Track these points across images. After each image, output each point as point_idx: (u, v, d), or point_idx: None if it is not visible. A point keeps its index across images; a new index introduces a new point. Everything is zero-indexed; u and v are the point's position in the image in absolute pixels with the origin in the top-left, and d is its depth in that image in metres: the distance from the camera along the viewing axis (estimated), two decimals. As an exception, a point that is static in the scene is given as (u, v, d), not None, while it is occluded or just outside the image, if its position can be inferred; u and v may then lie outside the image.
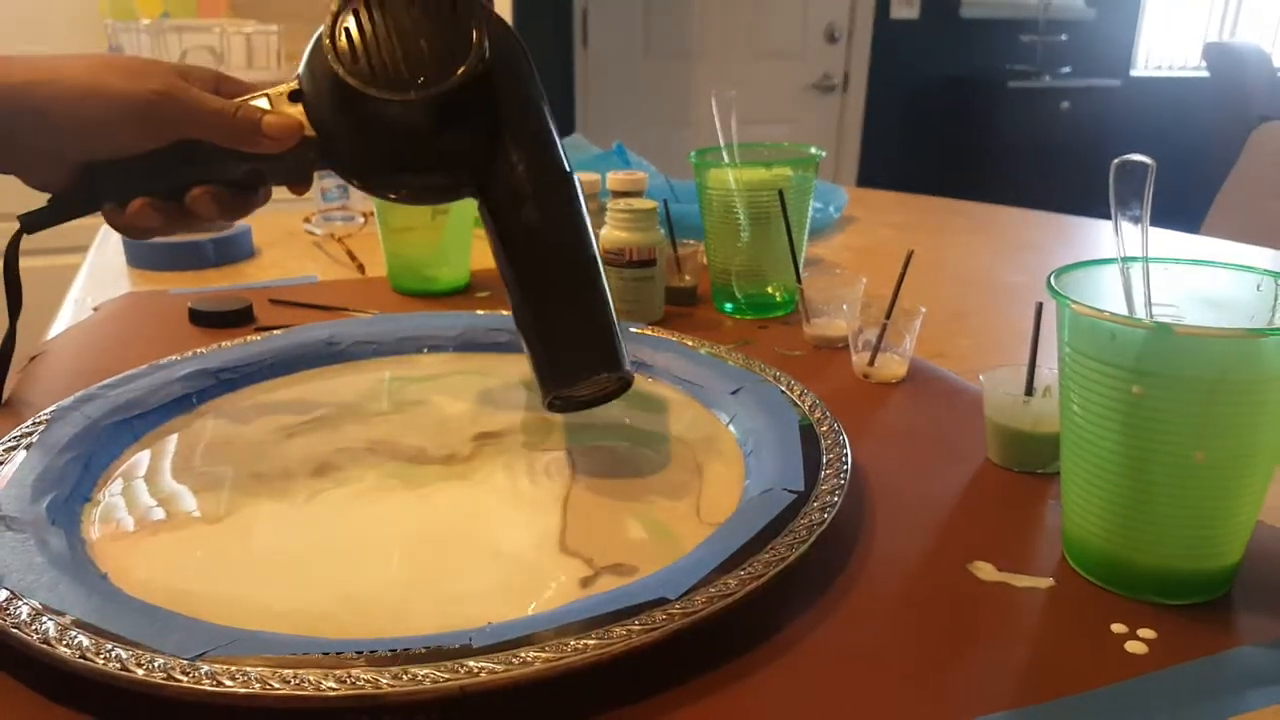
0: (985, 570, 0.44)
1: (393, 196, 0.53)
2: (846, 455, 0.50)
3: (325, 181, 1.17)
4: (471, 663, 0.33)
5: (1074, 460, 0.42)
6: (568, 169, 0.51)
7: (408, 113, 0.47)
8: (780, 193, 0.76)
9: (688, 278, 0.84)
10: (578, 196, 0.51)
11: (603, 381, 0.51)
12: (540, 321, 0.50)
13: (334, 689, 0.32)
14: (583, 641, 0.34)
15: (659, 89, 3.09)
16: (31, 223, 0.50)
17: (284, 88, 0.49)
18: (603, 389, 0.51)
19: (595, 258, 0.51)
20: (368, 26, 0.46)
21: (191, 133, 0.47)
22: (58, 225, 0.50)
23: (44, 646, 0.34)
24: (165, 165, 0.48)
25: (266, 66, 2.12)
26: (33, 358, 0.69)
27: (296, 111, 0.49)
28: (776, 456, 0.50)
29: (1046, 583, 0.43)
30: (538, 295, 0.50)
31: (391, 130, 0.48)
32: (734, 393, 0.59)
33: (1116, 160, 0.41)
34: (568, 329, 0.50)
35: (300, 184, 0.52)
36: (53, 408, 0.54)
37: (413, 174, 0.51)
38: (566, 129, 2.41)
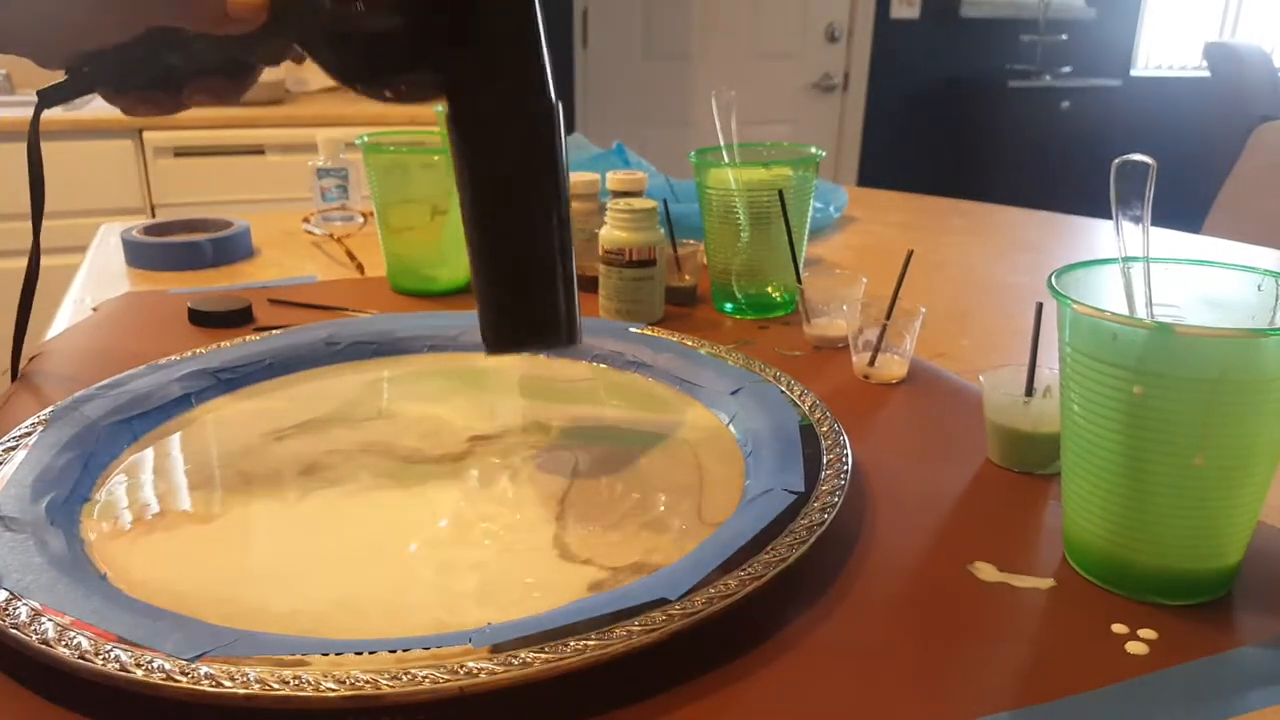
0: (986, 571, 0.44)
1: (358, 87, 0.48)
2: (847, 456, 0.50)
3: (324, 181, 1.17)
4: (471, 663, 0.33)
5: (1075, 460, 0.42)
6: (548, 99, 0.46)
7: None
8: (780, 192, 0.76)
9: (688, 277, 0.84)
10: (550, 133, 0.46)
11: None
12: (482, 275, 0.48)
13: (333, 689, 0.32)
14: (582, 642, 0.34)
15: (659, 89, 3.10)
16: (48, 96, 0.53)
17: None
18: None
19: (555, 211, 0.47)
20: None
21: (160, 16, 0.47)
22: (71, 100, 0.53)
23: (43, 647, 0.34)
24: (151, 53, 0.50)
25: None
26: (32, 358, 0.69)
27: None
28: (777, 457, 0.50)
29: (1047, 583, 0.43)
30: (484, 241, 0.47)
31: None
32: (734, 393, 0.59)
33: (1117, 160, 0.41)
34: (510, 290, 0.48)
35: (288, 59, 0.52)
36: (52, 408, 0.54)
37: (362, 42, 0.46)
38: (567, 129, 2.41)
